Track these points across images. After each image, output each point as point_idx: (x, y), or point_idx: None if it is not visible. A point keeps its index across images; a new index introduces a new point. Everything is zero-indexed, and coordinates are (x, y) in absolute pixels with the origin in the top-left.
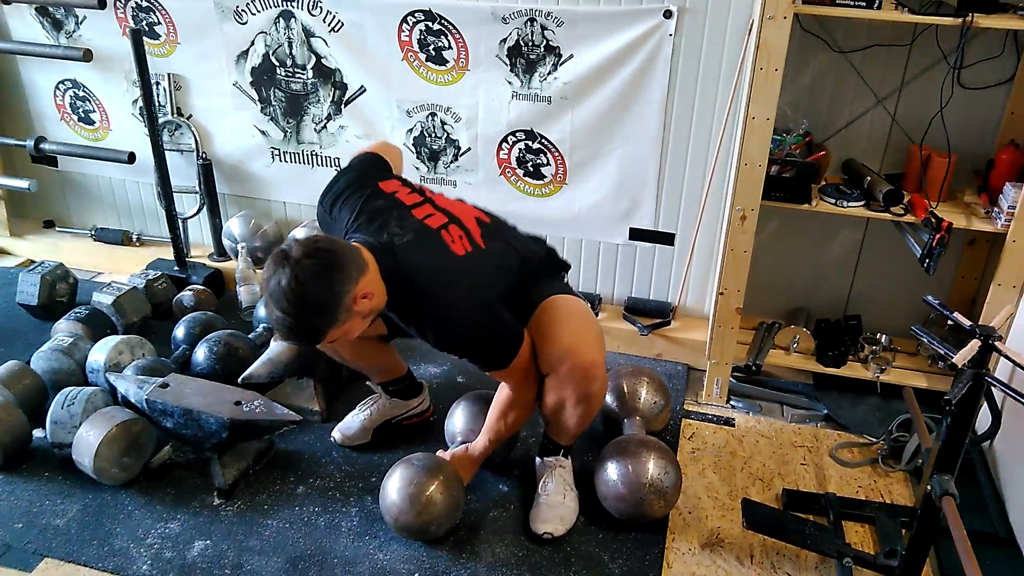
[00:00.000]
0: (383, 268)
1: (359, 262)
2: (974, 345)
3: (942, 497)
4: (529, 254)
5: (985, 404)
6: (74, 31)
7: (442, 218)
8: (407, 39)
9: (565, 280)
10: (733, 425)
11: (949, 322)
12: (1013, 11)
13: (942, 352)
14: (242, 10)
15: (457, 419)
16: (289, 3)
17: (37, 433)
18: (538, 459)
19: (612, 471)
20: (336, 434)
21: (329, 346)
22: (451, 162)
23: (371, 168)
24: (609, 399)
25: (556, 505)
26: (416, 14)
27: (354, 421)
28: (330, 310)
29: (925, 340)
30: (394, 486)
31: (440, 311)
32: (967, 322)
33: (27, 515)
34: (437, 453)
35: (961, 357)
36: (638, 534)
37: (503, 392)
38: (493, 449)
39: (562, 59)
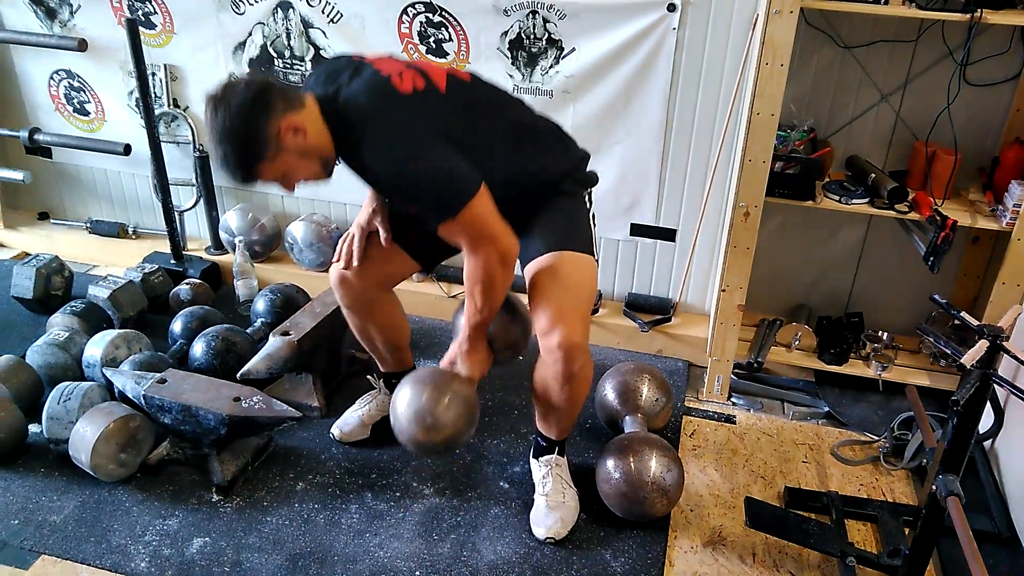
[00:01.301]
0: (326, 113)
1: (291, 99)
2: (982, 345)
3: (947, 497)
4: (527, 128)
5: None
6: (68, 20)
7: (402, 68)
8: (407, 31)
9: (586, 200)
10: (734, 422)
11: (953, 320)
12: (1021, 7)
13: (949, 353)
14: (240, 0)
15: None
16: None
17: (33, 428)
18: (533, 460)
19: (614, 469)
20: (335, 430)
21: (358, 318)
22: None
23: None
24: (610, 396)
25: (556, 506)
26: (416, 6)
27: (353, 417)
28: (253, 140)
29: (931, 340)
30: (404, 411)
31: (375, 143)
32: (975, 322)
33: (23, 511)
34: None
35: (970, 357)
36: (640, 532)
37: (466, 267)
38: (480, 333)
39: (564, 52)
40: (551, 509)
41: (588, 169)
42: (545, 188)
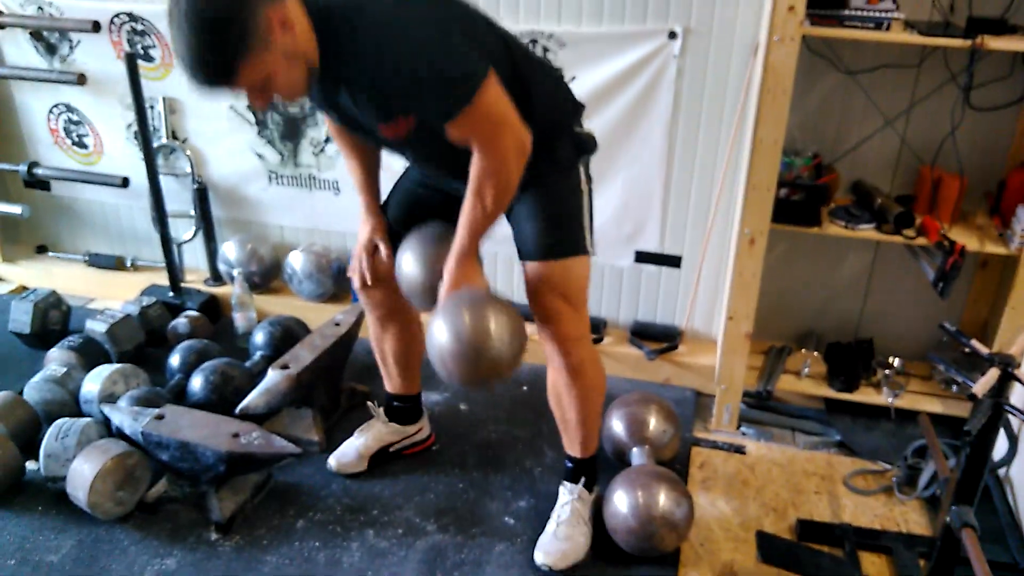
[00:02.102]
0: (308, 9)
1: None
2: (993, 374)
3: (961, 529)
4: (525, 53)
5: (1001, 430)
6: (68, 55)
7: None
8: None
9: (580, 174)
10: (744, 453)
11: (964, 347)
12: (1022, 33)
13: (960, 382)
14: None
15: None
16: None
17: (30, 466)
18: (562, 487)
19: (622, 503)
20: (332, 461)
21: (378, 325)
22: None
23: None
24: (617, 427)
25: (564, 539)
26: None
27: (350, 448)
28: (237, 29)
29: (942, 368)
30: (445, 339)
31: (368, 36)
32: (985, 350)
33: (20, 551)
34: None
35: (981, 387)
36: (649, 568)
37: (473, 164)
38: (477, 241)
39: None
40: (558, 539)
41: (584, 129)
42: (543, 138)
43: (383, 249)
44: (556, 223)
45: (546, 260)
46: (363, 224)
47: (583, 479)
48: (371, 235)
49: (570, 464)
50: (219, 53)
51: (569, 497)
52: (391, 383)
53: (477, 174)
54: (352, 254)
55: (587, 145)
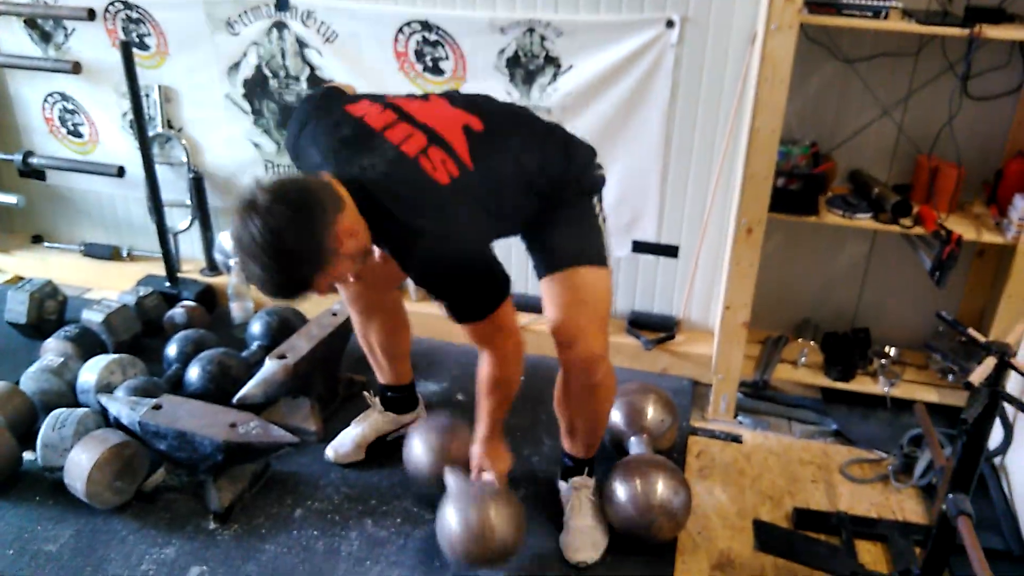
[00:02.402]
0: (359, 204)
1: (333, 198)
2: (990, 363)
3: (957, 516)
4: (538, 168)
5: (997, 419)
6: (63, 43)
7: (421, 139)
8: (403, 50)
9: (595, 206)
10: (741, 442)
11: (960, 336)
12: (1020, 21)
13: (957, 370)
14: (234, 21)
15: (416, 448)
16: (283, 14)
17: (27, 456)
18: (562, 483)
19: (620, 492)
20: (329, 451)
21: (361, 319)
22: None
23: (334, 92)
24: (615, 416)
25: (588, 531)
26: (412, 24)
27: (347, 438)
28: (313, 256)
29: (939, 358)
30: (455, 526)
31: (421, 247)
32: (982, 339)
33: (18, 541)
34: (448, 475)
35: (978, 376)
36: (647, 556)
37: (482, 369)
38: (501, 426)
39: (562, 69)
40: (582, 533)
41: (596, 172)
42: (553, 193)
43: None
44: (584, 234)
45: (575, 267)
46: None
47: (587, 469)
48: None
49: (571, 463)
50: (296, 278)
51: (576, 490)
52: (383, 374)
53: (486, 378)
54: None
55: (596, 185)
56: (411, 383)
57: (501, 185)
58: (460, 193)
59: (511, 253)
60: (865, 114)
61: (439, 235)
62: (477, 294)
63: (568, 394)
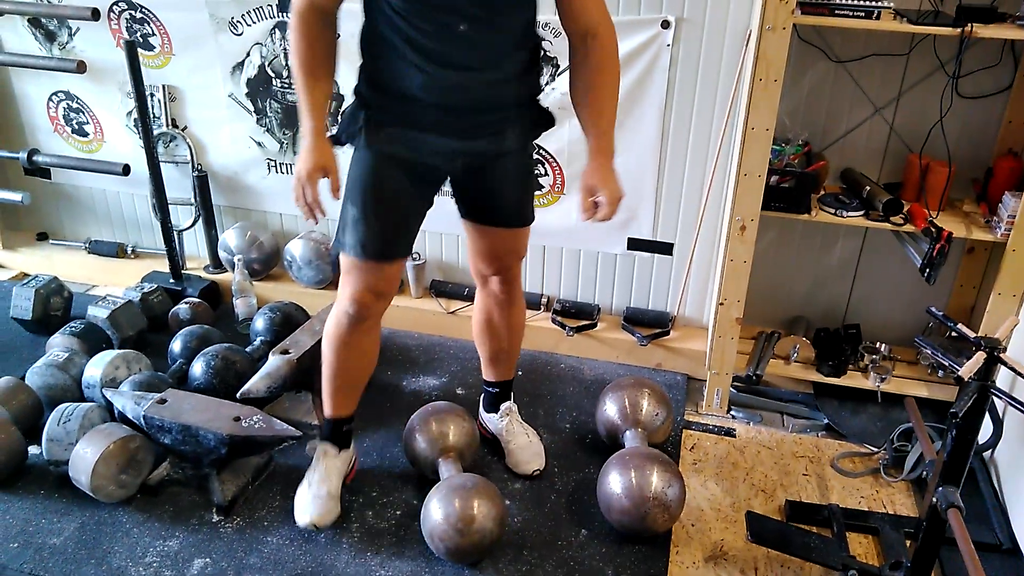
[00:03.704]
0: None
1: None
2: (979, 357)
3: (947, 509)
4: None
5: (987, 413)
6: (67, 42)
7: None
8: None
9: (533, 152)
10: (734, 436)
11: (950, 332)
12: (1011, 20)
13: (947, 365)
14: (237, 21)
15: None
16: (285, 14)
17: (33, 450)
18: (490, 415)
19: (615, 484)
20: (305, 519)
21: (354, 340)
22: None
23: None
24: (610, 411)
25: (527, 446)
26: None
27: (318, 498)
28: None
29: (929, 352)
30: (439, 518)
31: None
32: (972, 334)
33: (23, 534)
34: (440, 466)
35: (967, 370)
36: (641, 548)
37: (592, 51)
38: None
39: (559, 69)
40: (523, 448)
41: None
42: (514, 114)
43: (332, 179)
44: (530, 189)
45: (524, 227)
46: (309, 152)
47: (509, 394)
48: (318, 166)
49: (497, 389)
50: None
51: (508, 417)
52: (348, 404)
53: (599, 57)
54: (294, 186)
55: (548, 120)
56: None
57: None
58: None
59: None
60: (857, 113)
61: None
62: None
63: (500, 318)
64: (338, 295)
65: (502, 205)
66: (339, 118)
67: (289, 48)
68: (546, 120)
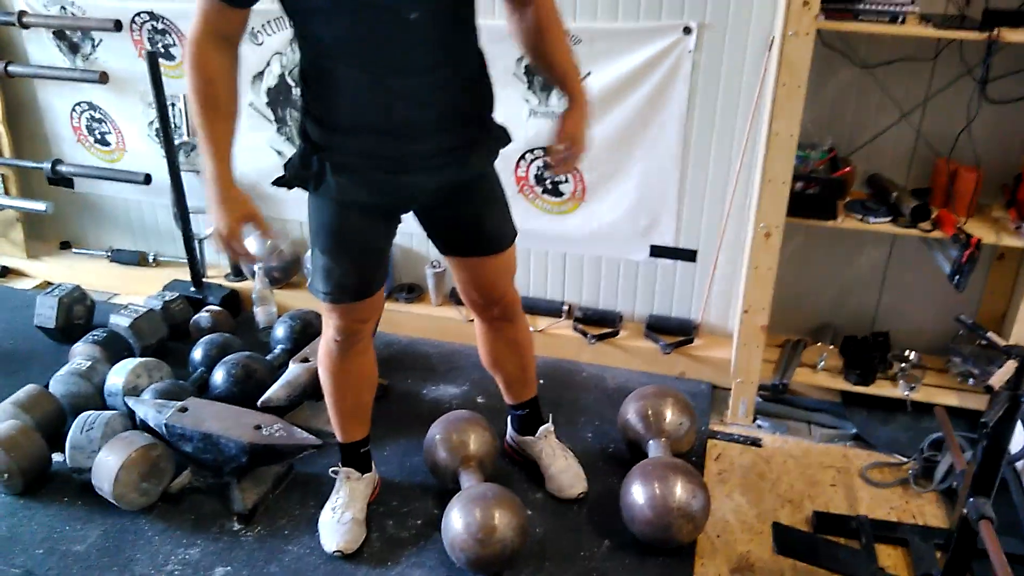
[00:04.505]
0: None
1: None
2: (1010, 366)
3: (979, 521)
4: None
5: (1018, 422)
6: (90, 54)
7: None
8: None
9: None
10: (760, 446)
11: (980, 340)
12: None
13: (978, 374)
14: (257, 31)
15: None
16: None
17: (56, 458)
18: (526, 438)
19: (639, 495)
20: (332, 545)
21: (354, 367)
22: None
23: None
24: (633, 420)
25: (567, 468)
26: None
27: (344, 526)
28: None
29: (959, 361)
30: (460, 528)
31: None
32: (1002, 342)
33: (47, 541)
34: (461, 476)
35: (998, 379)
36: (666, 559)
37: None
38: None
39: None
40: (564, 471)
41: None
42: (475, 134)
43: (258, 224)
44: (505, 206)
45: (510, 248)
46: (222, 204)
47: (541, 415)
48: (238, 218)
49: (525, 410)
50: None
51: (544, 439)
52: (360, 427)
53: (543, 14)
54: (217, 243)
55: (506, 137)
56: (368, 438)
57: None
58: None
59: None
60: (883, 118)
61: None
62: None
63: (506, 348)
64: (323, 326)
65: (483, 232)
66: (285, 168)
67: (186, 83)
68: (504, 138)
